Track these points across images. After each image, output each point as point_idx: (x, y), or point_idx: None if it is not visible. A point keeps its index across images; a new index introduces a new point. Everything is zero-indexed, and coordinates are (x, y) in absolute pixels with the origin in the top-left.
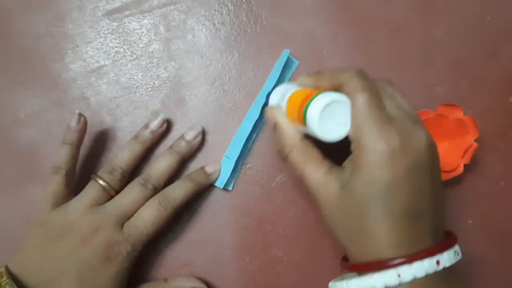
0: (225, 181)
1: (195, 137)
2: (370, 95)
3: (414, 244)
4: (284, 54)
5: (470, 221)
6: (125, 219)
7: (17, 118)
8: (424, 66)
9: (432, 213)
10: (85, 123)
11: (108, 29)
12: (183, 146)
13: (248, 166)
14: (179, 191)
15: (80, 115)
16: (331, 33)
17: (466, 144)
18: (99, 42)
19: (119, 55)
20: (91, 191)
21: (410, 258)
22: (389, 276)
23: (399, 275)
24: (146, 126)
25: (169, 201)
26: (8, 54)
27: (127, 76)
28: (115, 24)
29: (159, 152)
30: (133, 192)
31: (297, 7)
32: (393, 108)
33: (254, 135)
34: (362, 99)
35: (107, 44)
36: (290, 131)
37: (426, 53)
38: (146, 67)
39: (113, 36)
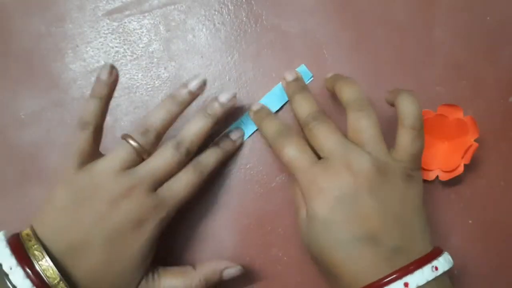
0: None
1: (230, 100)
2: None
3: (380, 270)
4: (301, 68)
5: (470, 221)
6: (157, 184)
7: (17, 118)
8: (424, 66)
9: (391, 234)
10: (117, 77)
11: (108, 29)
12: (217, 109)
13: (248, 166)
14: (210, 158)
15: (112, 67)
16: (331, 33)
17: (466, 144)
18: (99, 42)
19: (119, 55)
20: (122, 153)
21: (380, 284)
22: None
23: None
24: (184, 86)
25: (203, 167)
26: (8, 54)
27: (127, 76)
28: (115, 24)
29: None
30: (166, 155)
31: (297, 7)
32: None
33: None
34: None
35: (107, 44)
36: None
37: (426, 53)
38: (146, 67)
39: (113, 36)
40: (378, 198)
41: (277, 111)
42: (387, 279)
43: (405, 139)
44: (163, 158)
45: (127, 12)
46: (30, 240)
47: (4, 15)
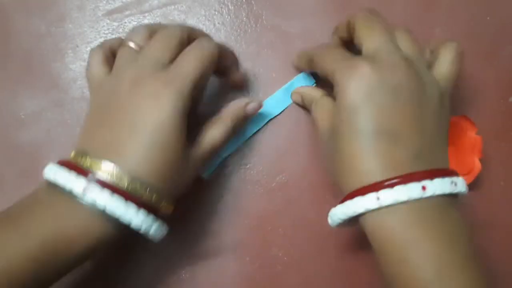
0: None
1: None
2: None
3: (396, 169)
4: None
5: (470, 221)
6: (162, 66)
7: (17, 118)
8: None
9: (415, 139)
10: None
11: (108, 29)
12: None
13: (248, 166)
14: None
15: None
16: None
17: (469, 163)
18: (99, 42)
19: None
20: (121, 55)
21: (393, 182)
22: (369, 199)
23: (378, 198)
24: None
25: (207, 43)
26: (8, 54)
27: None
28: (115, 24)
29: None
30: (163, 36)
31: (297, 7)
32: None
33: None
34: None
35: None
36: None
37: None
38: None
39: (113, 36)
40: (415, 101)
41: (277, 115)
42: (403, 178)
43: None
44: (160, 39)
45: (127, 12)
46: (81, 156)
47: (4, 15)
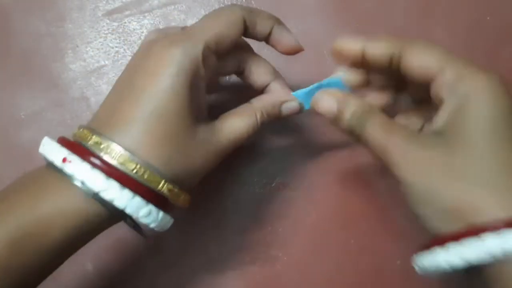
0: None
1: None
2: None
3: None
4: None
5: None
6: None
7: (17, 118)
8: None
9: None
10: None
11: (108, 29)
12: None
13: (248, 166)
14: None
15: None
16: (331, 33)
17: None
18: (99, 42)
19: (119, 55)
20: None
21: None
22: None
23: None
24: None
25: (230, 7)
26: (8, 54)
27: None
28: (115, 24)
29: None
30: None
31: (297, 7)
32: None
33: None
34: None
35: (107, 44)
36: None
37: None
38: None
39: (113, 36)
40: None
41: None
42: None
43: None
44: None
45: (127, 12)
46: (86, 135)
47: (4, 15)
